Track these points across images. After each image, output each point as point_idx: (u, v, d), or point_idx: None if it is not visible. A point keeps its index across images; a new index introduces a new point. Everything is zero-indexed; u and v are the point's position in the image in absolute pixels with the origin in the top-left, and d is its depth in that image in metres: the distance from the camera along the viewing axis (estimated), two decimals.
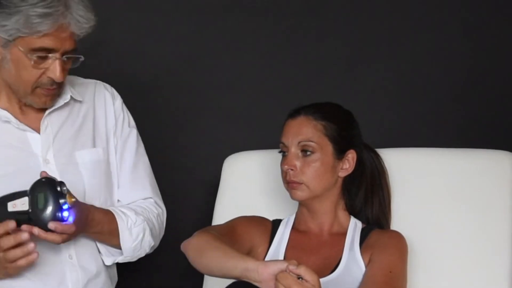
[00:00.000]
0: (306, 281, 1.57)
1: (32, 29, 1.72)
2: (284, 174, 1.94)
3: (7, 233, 1.69)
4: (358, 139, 2.00)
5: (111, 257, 1.97)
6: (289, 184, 1.94)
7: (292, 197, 1.95)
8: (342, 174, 1.95)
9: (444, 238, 2.02)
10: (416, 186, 2.08)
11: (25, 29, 1.73)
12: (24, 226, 1.70)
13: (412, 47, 2.59)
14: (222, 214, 2.16)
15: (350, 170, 1.96)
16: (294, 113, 1.96)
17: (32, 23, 1.72)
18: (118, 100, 2.04)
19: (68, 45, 1.78)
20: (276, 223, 2.02)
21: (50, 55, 1.77)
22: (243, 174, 2.23)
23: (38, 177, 1.75)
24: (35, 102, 1.83)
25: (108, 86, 2.05)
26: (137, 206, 1.98)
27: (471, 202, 2.04)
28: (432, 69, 2.59)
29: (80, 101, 1.96)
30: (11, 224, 1.68)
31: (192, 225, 2.14)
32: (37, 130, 1.88)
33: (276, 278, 1.59)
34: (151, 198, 2.02)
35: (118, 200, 2.01)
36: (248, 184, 2.21)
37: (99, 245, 1.95)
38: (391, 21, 2.59)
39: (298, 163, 1.92)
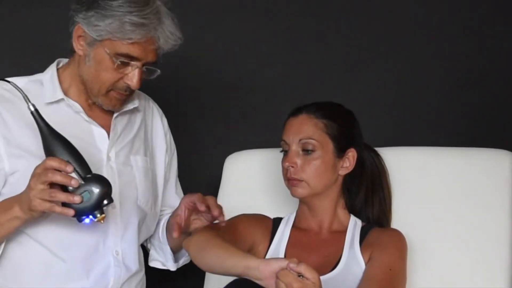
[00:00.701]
0: (307, 279, 1.57)
1: (123, 34, 1.77)
2: (285, 171, 1.95)
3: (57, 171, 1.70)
4: (359, 138, 2.00)
5: (159, 264, 2.08)
6: (290, 181, 1.94)
7: (293, 194, 1.96)
8: (343, 172, 1.96)
9: (444, 236, 2.02)
10: (416, 185, 2.08)
11: (116, 34, 1.77)
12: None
13: (412, 47, 2.59)
14: (224, 210, 2.09)
15: (350, 169, 1.96)
16: (296, 112, 1.97)
17: (125, 29, 1.77)
18: (165, 119, 2.12)
19: (151, 57, 1.83)
20: (277, 221, 2.02)
21: (132, 62, 1.82)
22: (244, 173, 2.24)
23: (101, 169, 1.87)
24: (105, 104, 1.87)
25: (155, 103, 2.12)
26: None
27: (470, 201, 2.04)
28: (432, 69, 2.59)
29: (138, 110, 2.03)
30: (70, 167, 1.69)
31: None
32: (103, 127, 1.92)
33: (277, 276, 1.59)
34: None
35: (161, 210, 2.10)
36: (249, 183, 2.22)
37: (156, 250, 2.07)
38: (391, 21, 2.60)
39: (298, 161, 1.93)
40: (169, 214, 2.05)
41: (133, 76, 1.83)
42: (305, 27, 2.59)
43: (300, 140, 1.93)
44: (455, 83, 2.59)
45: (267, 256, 1.96)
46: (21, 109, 1.82)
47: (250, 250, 1.94)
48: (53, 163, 1.68)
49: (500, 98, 2.59)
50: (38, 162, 1.72)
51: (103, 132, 1.92)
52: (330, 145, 1.93)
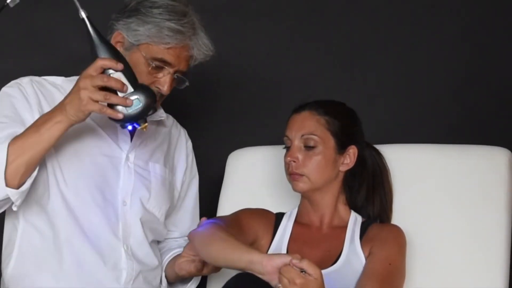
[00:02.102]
0: (309, 274, 1.59)
1: (161, 39, 1.86)
2: (287, 166, 1.97)
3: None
4: (360, 136, 2.02)
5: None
6: (291, 175, 1.96)
7: (294, 189, 1.97)
8: (343, 168, 1.97)
9: (442, 231, 2.02)
10: (414, 181, 2.08)
11: (155, 38, 1.86)
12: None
13: (412, 47, 2.59)
14: (226, 207, 2.18)
15: (351, 165, 1.98)
16: (299, 108, 1.99)
17: (163, 34, 1.85)
18: (190, 143, 2.18)
19: (183, 66, 1.91)
20: (279, 216, 2.04)
21: (165, 67, 1.88)
22: (246, 169, 2.25)
23: (119, 166, 1.93)
24: None
25: (183, 128, 2.19)
26: None
27: (467, 197, 2.04)
28: (431, 68, 2.59)
29: (165, 126, 2.09)
30: (120, 65, 1.73)
31: None
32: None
33: (280, 271, 1.60)
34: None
35: (169, 230, 2.13)
36: (251, 179, 2.23)
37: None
38: (391, 22, 2.60)
39: (300, 156, 1.94)
40: (177, 249, 2.08)
41: (164, 82, 1.89)
42: (307, 27, 2.59)
43: (302, 135, 1.95)
44: (453, 81, 2.59)
45: (270, 251, 1.97)
46: (54, 100, 1.88)
47: (253, 244, 1.95)
48: (105, 62, 1.72)
49: (497, 97, 2.58)
50: None
51: (127, 133, 1.96)
52: (331, 141, 1.95)
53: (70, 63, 2.16)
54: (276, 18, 2.59)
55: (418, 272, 1.99)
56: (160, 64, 1.88)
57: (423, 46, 2.60)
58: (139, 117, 1.76)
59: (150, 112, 1.78)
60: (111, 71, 1.73)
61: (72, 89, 1.75)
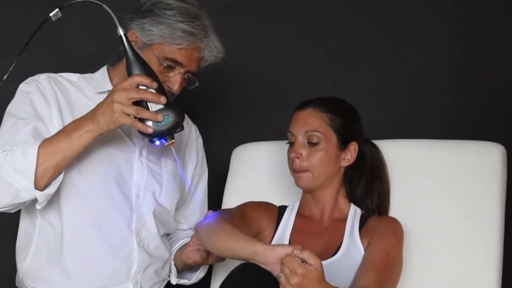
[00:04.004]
0: (310, 264, 1.60)
1: (173, 39, 1.88)
2: (291, 161, 1.98)
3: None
4: (360, 133, 2.03)
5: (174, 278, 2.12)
6: (295, 172, 1.97)
7: (297, 185, 1.99)
8: (344, 164, 1.99)
9: (438, 224, 2.03)
10: (411, 175, 2.09)
11: (167, 38, 1.88)
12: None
13: (408, 46, 2.61)
14: (231, 201, 2.20)
15: (351, 161, 2.00)
16: (303, 105, 2.00)
17: (175, 35, 1.88)
18: (201, 140, 2.20)
19: (193, 67, 1.93)
20: (282, 209, 2.06)
21: (177, 67, 1.91)
22: (250, 164, 2.27)
23: (132, 161, 1.94)
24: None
25: (194, 124, 2.20)
26: None
27: (462, 190, 2.05)
28: (426, 66, 2.61)
29: None
30: (155, 84, 1.76)
31: None
32: None
33: (282, 262, 1.61)
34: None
35: (178, 222, 2.16)
36: (254, 173, 2.25)
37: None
38: (388, 22, 2.61)
39: (304, 152, 1.96)
40: (185, 239, 2.11)
41: (175, 81, 1.92)
42: (308, 28, 2.61)
43: (306, 132, 1.96)
44: (449, 79, 2.60)
45: (273, 242, 1.99)
46: (70, 96, 1.93)
47: (257, 235, 1.97)
48: (141, 79, 1.75)
49: (491, 94, 2.60)
50: None
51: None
52: (333, 138, 1.97)
53: (82, 61, 2.19)
54: (277, 18, 2.61)
55: (415, 262, 1.99)
56: (172, 64, 1.90)
57: (420, 45, 2.61)
58: (168, 133, 1.79)
59: (178, 129, 1.80)
60: (144, 87, 1.76)
61: (105, 101, 1.78)
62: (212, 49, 1.94)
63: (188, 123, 2.17)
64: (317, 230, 2.00)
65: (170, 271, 2.10)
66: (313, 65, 2.62)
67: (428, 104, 2.62)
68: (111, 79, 2.00)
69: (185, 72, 1.93)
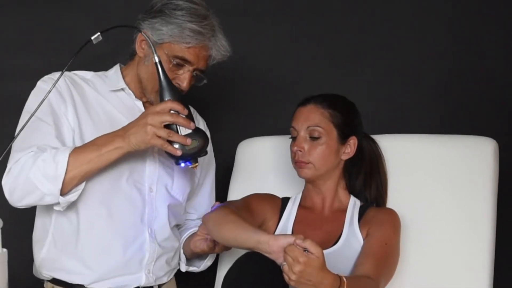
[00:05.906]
0: (311, 253, 1.64)
1: (182, 39, 1.92)
2: (293, 154, 2.01)
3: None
4: (360, 128, 2.06)
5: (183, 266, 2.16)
6: (297, 163, 2.01)
7: (299, 175, 2.02)
8: (344, 157, 2.03)
9: (433, 215, 2.06)
10: (407, 168, 2.12)
11: (176, 37, 1.92)
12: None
13: (404, 45, 2.64)
14: (236, 192, 2.23)
15: (351, 154, 2.03)
16: (305, 101, 2.04)
17: (184, 34, 1.92)
18: (208, 132, 2.19)
19: (201, 65, 1.97)
20: (285, 201, 2.09)
21: (185, 65, 1.94)
22: (255, 157, 2.30)
23: (145, 156, 1.97)
24: (156, 101, 1.97)
25: (202, 118, 2.23)
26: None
27: (456, 183, 2.07)
28: (422, 64, 2.63)
29: None
30: (186, 111, 1.82)
31: None
32: None
33: (285, 251, 1.65)
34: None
35: (188, 212, 2.20)
36: (259, 166, 2.28)
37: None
38: (386, 22, 2.63)
39: (306, 146, 1.99)
40: (193, 228, 2.15)
41: (184, 78, 1.95)
42: (309, 27, 2.64)
43: (308, 127, 1.99)
44: (443, 76, 2.63)
45: (277, 231, 2.02)
46: (85, 94, 1.97)
47: (261, 226, 2.00)
48: (174, 105, 1.81)
49: (483, 90, 2.62)
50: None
51: None
52: (334, 133, 2.00)
53: (94, 59, 2.22)
54: (280, 18, 2.63)
55: (412, 251, 2.02)
56: (181, 62, 1.93)
57: (416, 44, 2.64)
58: (194, 157, 1.85)
59: (202, 154, 1.86)
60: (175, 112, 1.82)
61: (138, 122, 1.83)
62: (220, 48, 1.97)
63: (196, 118, 2.18)
64: (319, 220, 2.03)
65: (179, 259, 2.14)
66: (315, 64, 2.64)
67: (424, 100, 2.64)
68: (124, 77, 2.04)
69: (194, 70, 1.96)
